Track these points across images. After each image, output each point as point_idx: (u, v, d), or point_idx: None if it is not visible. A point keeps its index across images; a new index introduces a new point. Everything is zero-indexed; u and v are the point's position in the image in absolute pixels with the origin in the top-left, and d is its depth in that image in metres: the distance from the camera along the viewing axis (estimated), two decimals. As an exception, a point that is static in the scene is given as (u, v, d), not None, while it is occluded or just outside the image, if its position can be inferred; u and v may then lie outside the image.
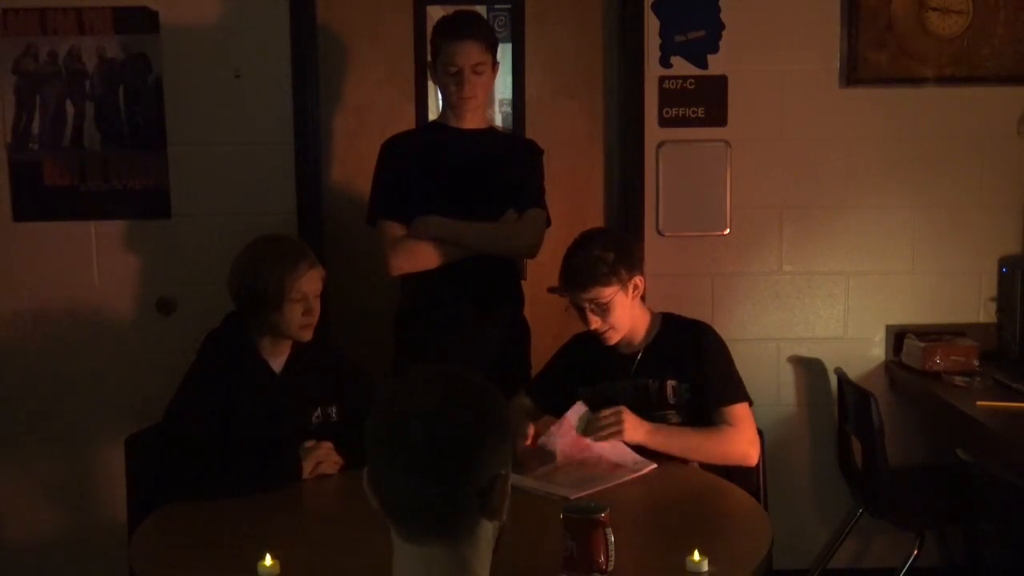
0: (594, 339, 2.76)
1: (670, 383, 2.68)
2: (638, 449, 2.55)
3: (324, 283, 2.69)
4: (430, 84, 3.58)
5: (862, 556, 3.74)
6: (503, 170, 3.01)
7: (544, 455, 2.55)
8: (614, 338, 2.71)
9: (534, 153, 3.12)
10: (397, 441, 1.32)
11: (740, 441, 2.62)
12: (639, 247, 2.77)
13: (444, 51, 2.89)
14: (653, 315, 2.80)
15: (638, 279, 2.69)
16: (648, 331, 2.76)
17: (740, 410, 2.65)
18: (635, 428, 2.54)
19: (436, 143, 3.02)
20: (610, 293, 2.64)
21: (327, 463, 2.53)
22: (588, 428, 2.55)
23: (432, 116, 3.56)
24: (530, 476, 2.44)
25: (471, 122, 3.00)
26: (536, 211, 3.01)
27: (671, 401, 2.68)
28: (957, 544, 3.49)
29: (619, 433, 2.52)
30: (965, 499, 2.66)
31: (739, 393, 2.67)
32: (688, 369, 2.68)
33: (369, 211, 3.02)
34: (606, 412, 2.55)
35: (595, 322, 2.67)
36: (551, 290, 2.73)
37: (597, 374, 2.77)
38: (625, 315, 2.68)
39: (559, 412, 2.76)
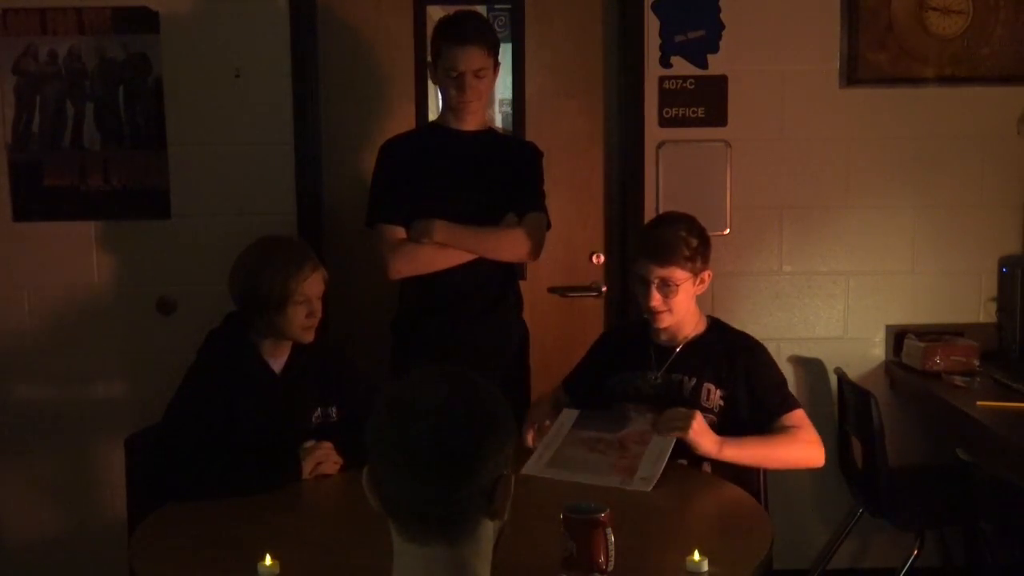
0: (630, 329, 2.77)
1: (707, 386, 2.65)
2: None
3: (326, 284, 2.69)
4: (430, 84, 3.58)
5: (862, 556, 3.74)
6: (503, 172, 3.01)
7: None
8: (666, 321, 2.68)
9: (534, 155, 3.11)
10: (401, 441, 1.32)
11: (810, 442, 2.59)
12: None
13: (445, 54, 2.88)
14: (701, 315, 2.78)
15: (707, 274, 2.70)
16: (694, 331, 2.74)
17: (800, 415, 2.63)
18: (702, 433, 2.45)
19: (435, 145, 3.01)
20: (682, 277, 2.63)
21: (327, 463, 2.53)
22: (658, 425, 2.48)
23: (432, 116, 3.55)
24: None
25: (471, 124, 3.00)
26: (537, 215, 3.01)
27: (704, 404, 2.65)
28: (957, 544, 3.49)
29: (684, 430, 2.43)
30: (965, 499, 2.67)
31: (794, 401, 2.67)
32: (733, 379, 2.65)
33: (368, 213, 3.01)
34: (680, 410, 2.48)
35: (656, 299, 2.64)
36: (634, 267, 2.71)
37: (629, 363, 2.76)
38: (685, 303, 2.67)
39: (591, 405, 2.77)
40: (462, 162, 2.99)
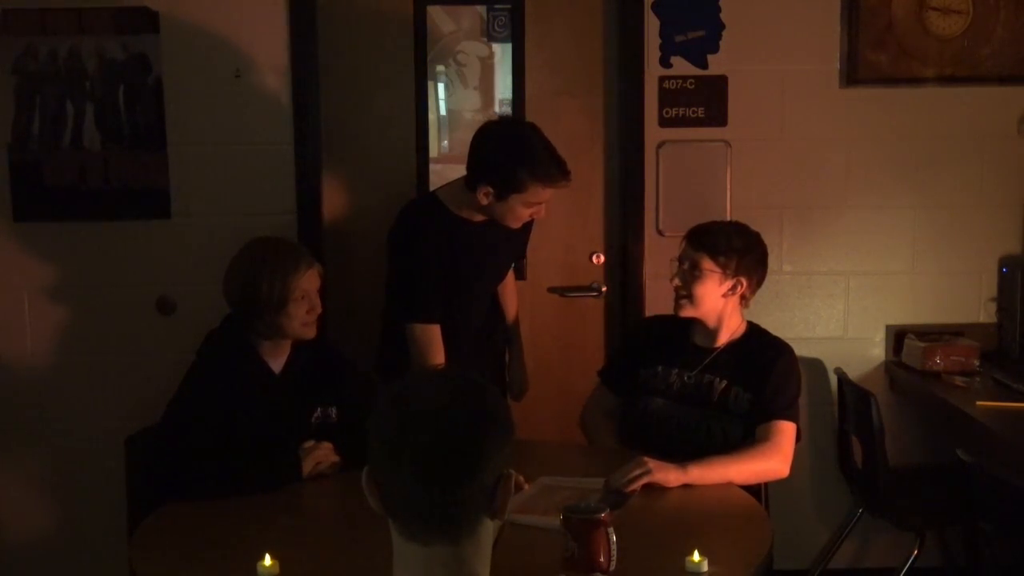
0: (672, 324, 2.81)
1: (736, 389, 2.68)
2: None
3: (322, 279, 2.70)
4: (430, 84, 3.58)
5: (862, 556, 3.74)
6: (513, 243, 3.10)
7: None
8: (685, 308, 2.73)
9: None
10: (403, 440, 1.31)
11: (773, 456, 2.58)
12: (764, 270, 2.80)
13: (529, 190, 2.76)
14: (742, 321, 2.81)
15: (742, 282, 2.71)
16: (733, 336, 2.77)
17: (784, 426, 2.62)
18: (665, 471, 2.42)
19: (460, 240, 2.93)
20: (709, 268, 2.69)
21: (326, 463, 2.53)
22: (614, 480, 2.38)
23: (432, 113, 3.56)
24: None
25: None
26: None
27: (731, 406, 2.68)
28: (957, 544, 3.49)
29: (643, 476, 2.38)
30: (965, 499, 2.67)
31: (791, 414, 2.66)
32: (755, 381, 2.67)
33: (411, 311, 2.91)
34: (631, 465, 2.41)
35: (676, 281, 2.73)
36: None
37: (665, 357, 2.79)
38: (707, 298, 2.71)
39: (628, 394, 2.83)
40: (488, 249, 3.00)
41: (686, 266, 2.71)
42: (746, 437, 2.64)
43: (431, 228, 2.91)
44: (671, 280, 2.75)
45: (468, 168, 2.85)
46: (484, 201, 2.81)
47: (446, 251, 2.90)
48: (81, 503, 3.57)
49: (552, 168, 2.78)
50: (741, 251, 2.71)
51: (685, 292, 2.72)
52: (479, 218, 2.92)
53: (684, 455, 2.51)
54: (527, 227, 3.09)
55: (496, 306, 3.20)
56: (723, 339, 2.76)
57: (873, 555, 3.73)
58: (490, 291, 3.15)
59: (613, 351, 3.00)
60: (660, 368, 2.79)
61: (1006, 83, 3.56)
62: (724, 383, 2.70)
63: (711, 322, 2.75)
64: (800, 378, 2.76)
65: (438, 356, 2.87)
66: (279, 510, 2.37)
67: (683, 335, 2.80)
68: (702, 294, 2.70)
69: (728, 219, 2.87)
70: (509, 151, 2.79)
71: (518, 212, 2.83)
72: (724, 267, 2.69)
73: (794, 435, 2.65)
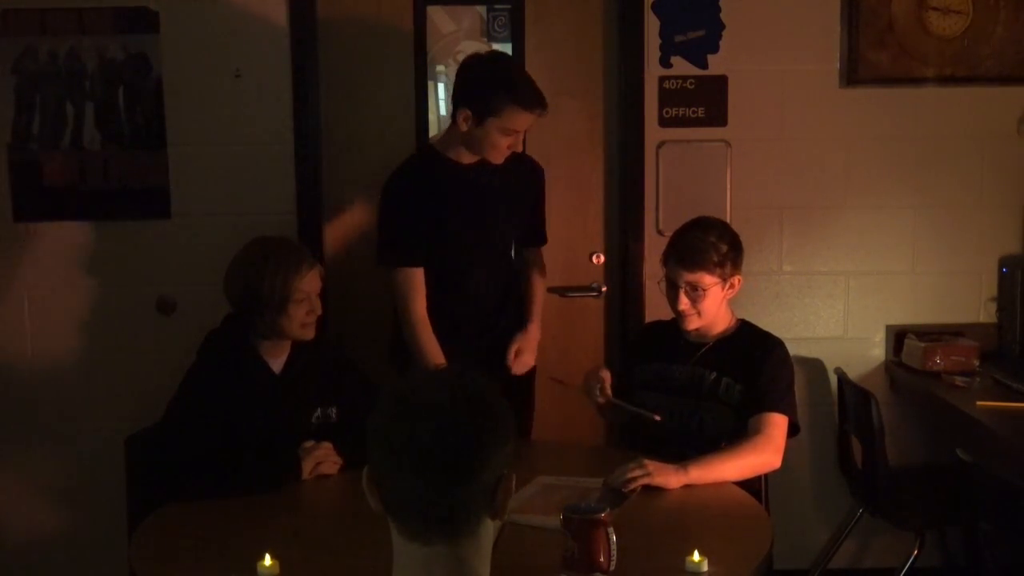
0: (666, 325, 2.85)
1: (726, 380, 2.71)
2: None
3: (323, 280, 2.70)
4: (430, 84, 3.58)
5: (862, 556, 3.74)
6: (512, 199, 3.06)
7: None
8: (694, 323, 2.75)
9: (540, 178, 3.17)
10: (404, 440, 1.31)
11: (765, 449, 2.59)
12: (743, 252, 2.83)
13: (506, 114, 2.80)
14: (732, 316, 2.84)
15: (737, 279, 2.75)
16: (724, 330, 2.80)
17: (775, 418, 2.63)
18: (665, 474, 2.42)
19: (446, 182, 2.94)
20: (710, 282, 2.69)
21: (327, 463, 2.53)
22: (613, 480, 2.39)
23: (432, 114, 3.56)
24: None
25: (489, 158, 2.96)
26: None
27: (722, 397, 2.70)
28: (957, 544, 3.49)
29: (647, 477, 2.39)
30: (965, 499, 2.67)
31: (782, 405, 2.66)
32: (747, 372, 2.69)
33: (383, 254, 2.97)
34: (631, 466, 2.41)
35: (684, 303, 2.72)
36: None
37: (661, 354, 2.83)
38: (713, 307, 2.73)
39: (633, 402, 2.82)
40: (474, 195, 2.97)
41: (687, 289, 2.71)
42: (737, 427, 2.65)
43: (411, 170, 2.98)
44: (676, 305, 2.73)
45: (452, 97, 2.92)
46: (464, 127, 2.85)
47: (429, 190, 2.92)
48: (81, 503, 3.57)
49: (530, 92, 2.84)
50: (728, 252, 2.73)
51: (694, 311, 2.73)
52: (468, 159, 2.94)
53: (678, 446, 2.57)
54: (528, 186, 3.09)
55: (510, 297, 3.14)
56: (714, 333, 2.79)
57: (873, 555, 3.73)
58: (490, 255, 3.08)
59: (615, 371, 2.99)
60: (656, 364, 2.83)
61: (1006, 83, 3.56)
62: (714, 374, 2.73)
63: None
64: (792, 371, 2.78)
65: (419, 300, 2.89)
66: (279, 510, 2.37)
67: (675, 332, 2.83)
68: (709, 306, 2.73)
69: (692, 220, 2.81)
70: (488, 75, 2.87)
71: (495, 140, 2.85)
72: (722, 275, 2.72)
73: (786, 427, 2.66)
